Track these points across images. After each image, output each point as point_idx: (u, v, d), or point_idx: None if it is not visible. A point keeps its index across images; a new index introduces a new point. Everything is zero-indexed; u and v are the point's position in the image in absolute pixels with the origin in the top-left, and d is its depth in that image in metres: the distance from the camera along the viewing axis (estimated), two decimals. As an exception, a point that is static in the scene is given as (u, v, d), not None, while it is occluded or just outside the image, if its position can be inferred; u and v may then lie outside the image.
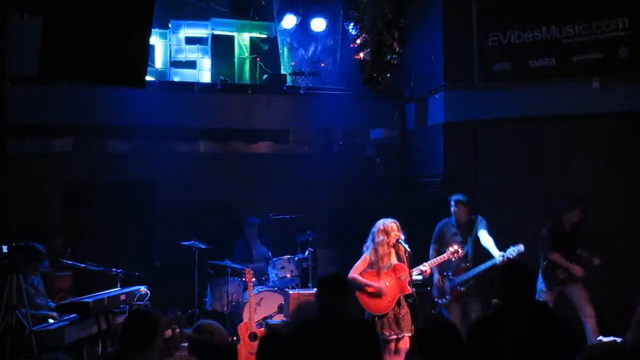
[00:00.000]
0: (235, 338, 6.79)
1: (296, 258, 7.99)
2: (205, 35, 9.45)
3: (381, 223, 5.86)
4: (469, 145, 8.34)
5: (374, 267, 5.81)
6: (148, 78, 7.73)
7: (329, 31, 9.54)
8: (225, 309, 7.64)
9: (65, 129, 8.50)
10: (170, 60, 9.32)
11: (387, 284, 5.76)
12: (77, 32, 5.04)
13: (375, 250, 5.79)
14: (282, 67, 9.58)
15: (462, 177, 7.96)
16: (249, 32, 9.62)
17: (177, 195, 8.85)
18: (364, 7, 7.87)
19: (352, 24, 8.18)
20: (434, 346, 3.28)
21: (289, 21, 9.24)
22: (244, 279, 7.42)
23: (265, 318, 7.35)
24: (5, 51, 5.45)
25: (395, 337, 5.71)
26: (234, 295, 7.77)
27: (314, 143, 9.80)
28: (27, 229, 6.42)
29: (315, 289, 5.17)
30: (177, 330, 6.50)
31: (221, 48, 9.53)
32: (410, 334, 5.70)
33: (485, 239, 6.63)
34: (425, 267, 6.18)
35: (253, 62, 9.62)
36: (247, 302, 7.10)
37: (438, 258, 6.38)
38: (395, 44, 7.71)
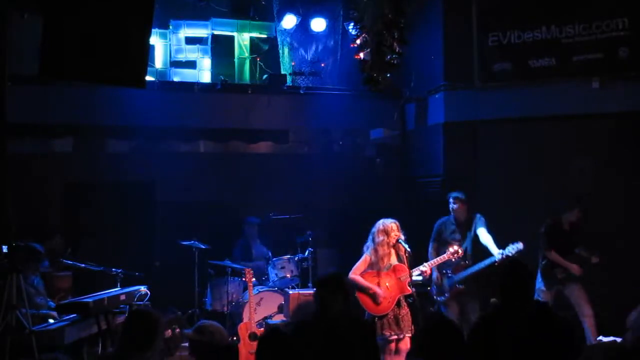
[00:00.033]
0: (235, 338, 6.79)
1: (296, 258, 8.00)
2: (205, 35, 9.45)
3: (381, 223, 5.86)
4: (469, 145, 8.34)
5: (374, 267, 5.81)
6: (148, 78, 7.73)
7: (329, 31, 9.54)
8: (225, 309, 7.64)
9: (65, 129, 8.51)
10: (170, 60, 9.32)
11: (387, 284, 5.75)
12: (77, 32, 5.04)
13: (376, 251, 5.79)
14: (282, 67, 9.57)
15: (462, 177, 7.96)
16: (249, 32, 9.61)
17: (177, 195, 8.85)
18: (364, 7, 7.87)
19: (352, 24, 8.18)
20: (434, 346, 3.28)
21: (289, 21, 9.24)
22: (244, 279, 7.42)
23: (265, 318, 7.35)
24: (5, 51, 5.45)
25: (395, 337, 5.70)
26: (234, 295, 7.77)
27: (314, 143, 9.80)
28: (27, 229, 6.42)
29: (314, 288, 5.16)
30: (177, 330, 6.50)
31: (221, 48, 9.53)
32: (410, 334, 5.70)
33: (484, 236, 6.65)
34: (426, 267, 6.19)
35: (253, 62, 9.62)
36: (247, 302, 7.10)
37: (438, 258, 6.39)
38: (395, 44, 7.71)
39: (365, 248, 5.90)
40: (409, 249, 5.74)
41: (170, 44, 9.30)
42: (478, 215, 6.83)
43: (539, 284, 6.77)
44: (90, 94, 7.92)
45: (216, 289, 7.89)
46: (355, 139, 10.01)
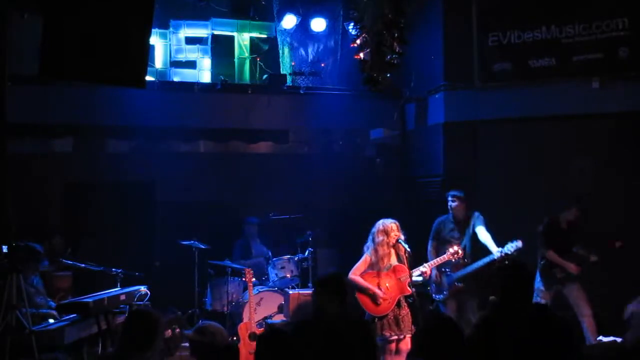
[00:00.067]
0: (235, 338, 6.79)
1: (296, 258, 8.00)
2: (205, 35, 9.45)
3: (381, 223, 5.86)
4: (469, 145, 8.35)
5: (375, 267, 5.80)
6: (148, 78, 7.73)
7: (329, 31, 9.54)
8: (225, 309, 7.64)
9: (65, 129, 8.51)
10: (170, 60, 9.32)
11: (387, 285, 5.75)
12: (77, 32, 5.04)
13: (376, 251, 5.79)
14: (282, 67, 9.57)
15: (462, 177, 7.96)
16: (249, 32, 9.62)
17: (177, 195, 8.85)
18: (364, 7, 7.87)
19: (352, 24, 8.18)
20: (434, 346, 3.28)
21: (289, 21, 9.24)
22: (244, 279, 7.42)
23: (265, 318, 7.35)
24: (5, 51, 5.45)
25: (395, 337, 5.70)
26: (234, 295, 7.77)
27: (314, 143, 9.81)
28: (27, 229, 6.42)
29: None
30: (177, 330, 6.51)
31: (221, 48, 9.53)
32: (411, 334, 5.70)
33: (483, 235, 6.67)
34: (426, 268, 6.19)
35: (253, 62, 9.62)
36: (247, 302, 7.10)
37: (438, 259, 6.39)
38: (395, 44, 7.71)
39: (365, 248, 5.90)
40: (409, 249, 5.74)
41: (170, 44, 9.30)
42: (476, 214, 6.85)
43: (538, 284, 6.76)
44: (90, 94, 7.92)
45: (216, 289, 7.89)
46: (355, 139, 10.01)
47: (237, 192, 9.07)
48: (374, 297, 5.70)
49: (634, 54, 7.40)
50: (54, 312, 5.87)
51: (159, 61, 9.28)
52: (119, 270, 6.75)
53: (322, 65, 9.55)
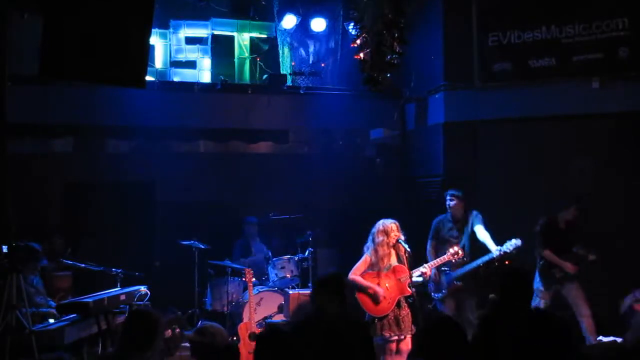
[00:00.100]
0: (235, 338, 6.79)
1: (296, 258, 8.00)
2: (205, 35, 9.45)
3: (381, 224, 5.85)
4: (469, 145, 8.35)
5: (375, 268, 5.79)
6: (148, 78, 7.73)
7: (329, 31, 9.54)
8: (225, 309, 7.64)
9: (65, 129, 8.51)
10: (170, 60, 9.32)
11: (387, 285, 5.75)
12: (77, 32, 5.04)
13: (376, 251, 5.78)
14: (282, 67, 9.57)
15: (462, 177, 7.96)
16: (249, 32, 9.61)
17: (177, 195, 8.85)
18: (364, 7, 7.86)
19: (352, 24, 8.18)
20: (434, 346, 3.28)
21: (289, 21, 9.25)
22: (244, 279, 7.42)
23: (265, 318, 7.35)
24: (5, 51, 5.46)
25: (396, 338, 5.70)
26: (234, 295, 7.77)
27: (314, 143, 9.80)
28: (27, 229, 6.43)
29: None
30: (177, 330, 6.51)
31: (221, 48, 9.53)
32: (411, 334, 5.70)
33: (482, 233, 6.67)
34: (426, 268, 6.17)
35: (253, 62, 9.62)
36: (247, 302, 7.10)
37: (438, 260, 6.38)
38: (395, 44, 7.70)
39: (365, 248, 5.89)
40: (409, 249, 5.73)
41: (170, 44, 9.31)
42: (475, 212, 6.85)
43: (537, 284, 6.76)
44: (90, 94, 7.92)
45: (216, 289, 7.89)
46: (355, 139, 10.01)
47: (237, 192, 9.07)
48: (374, 297, 5.70)
49: (634, 54, 7.40)
50: (54, 312, 5.87)
51: (159, 61, 9.28)
52: (119, 270, 6.75)
53: (322, 65, 9.56)
